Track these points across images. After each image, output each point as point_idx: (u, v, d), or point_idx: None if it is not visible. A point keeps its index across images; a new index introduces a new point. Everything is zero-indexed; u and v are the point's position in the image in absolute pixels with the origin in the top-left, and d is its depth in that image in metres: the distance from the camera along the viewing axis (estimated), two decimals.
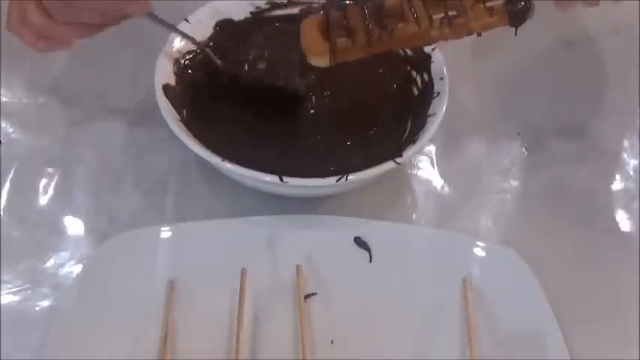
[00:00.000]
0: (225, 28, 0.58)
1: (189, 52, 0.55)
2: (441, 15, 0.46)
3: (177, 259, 0.49)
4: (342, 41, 0.47)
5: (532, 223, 0.54)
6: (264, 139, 0.54)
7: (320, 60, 0.48)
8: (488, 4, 0.47)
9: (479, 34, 0.48)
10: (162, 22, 0.52)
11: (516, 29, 0.49)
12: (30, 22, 0.48)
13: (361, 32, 0.47)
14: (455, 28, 0.47)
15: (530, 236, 0.53)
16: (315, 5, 0.59)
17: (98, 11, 0.48)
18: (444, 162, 0.57)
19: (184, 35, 0.54)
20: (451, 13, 0.47)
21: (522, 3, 0.47)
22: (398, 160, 0.48)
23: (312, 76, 0.56)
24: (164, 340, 0.46)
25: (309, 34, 0.48)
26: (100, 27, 0.50)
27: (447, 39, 0.48)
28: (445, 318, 0.48)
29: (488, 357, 0.46)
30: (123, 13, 0.49)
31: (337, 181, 0.48)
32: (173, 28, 0.54)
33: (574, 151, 0.59)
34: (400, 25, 0.47)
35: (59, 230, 0.52)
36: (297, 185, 0.48)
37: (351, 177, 0.48)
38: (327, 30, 0.47)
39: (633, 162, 0.58)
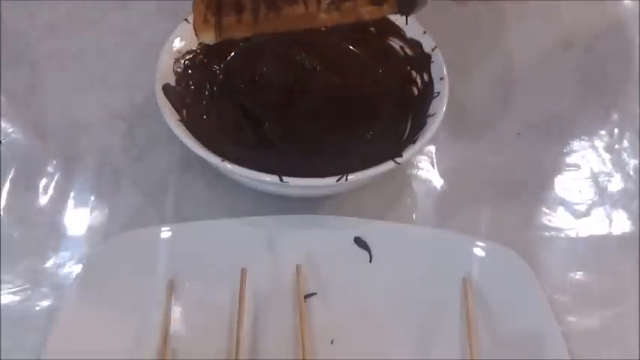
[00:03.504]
0: None
1: (189, 52, 0.55)
2: None
3: (177, 259, 0.49)
4: (228, 18, 0.47)
5: (532, 223, 0.54)
6: (264, 139, 0.54)
7: (206, 36, 0.48)
8: None
9: (368, 20, 0.49)
10: None
11: (407, 18, 0.50)
12: None
13: (249, 10, 0.47)
14: (343, 12, 0.48)
15: (530, 236, 0.53)
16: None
17: None
18: (444, 162, 0.57)
19: None
20: None
21: None
22: (398, 160, 0.48)
23: (313, 76, 0.57)
24: (164, 340, 0.46)
25: (198, 11, 0.48)
26: None
27: (336, 23, 0.48)
28: (445, 318, 0.48)
29: (488, 357, 0.46)
30: None
31: (337, 181, 0.48)
32: None
33: (574, 150, 0.59)
34: (288, 6, 0.47)
35: (59, 230, 0.52)
36: (297, 185, 0.48)
37: (351, 177, 0.48)
38: (217, 7, 0.47)
39: (633, 162, 0.58)
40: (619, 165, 0.58)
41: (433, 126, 0.51)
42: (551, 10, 0.67)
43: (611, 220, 0.55)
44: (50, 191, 0.54)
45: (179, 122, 0.50)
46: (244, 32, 0.48)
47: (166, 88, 0.52)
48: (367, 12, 0.48)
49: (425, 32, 0.56)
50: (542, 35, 0.66)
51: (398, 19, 0.57)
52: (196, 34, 0.48)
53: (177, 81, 0.53)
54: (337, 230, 0.51)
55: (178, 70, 0.54)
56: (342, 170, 0.48)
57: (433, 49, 0.55)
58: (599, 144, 0.59)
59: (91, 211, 0.53)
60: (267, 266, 0.49)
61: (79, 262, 0.50)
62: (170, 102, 0.51)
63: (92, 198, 0.54)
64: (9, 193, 0.53)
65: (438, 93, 0.53)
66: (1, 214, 0.52)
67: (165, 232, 0.50)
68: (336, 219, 0.51)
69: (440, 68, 0.54)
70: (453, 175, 0.57)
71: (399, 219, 0.53)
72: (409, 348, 0.47)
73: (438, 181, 0.56)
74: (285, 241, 0.50)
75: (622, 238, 0.54)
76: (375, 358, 0.47)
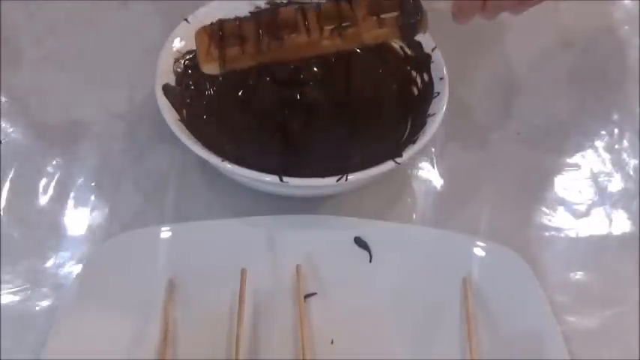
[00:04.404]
0: None
1: (189, 52, 0.55)
2: (332, 26, 0.47)
3: (177, 259, 0.49)
4: (231, 49, 0.48)
5: (532, 223, 0.54)
6: (264, 139, 0.54)
7: (210, 67, 0.48)
8: (381, 16, 0.47)
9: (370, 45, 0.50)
10: None
11: (409, 42, 0.50)
12: None
13: (251, 41, 0.48)
14: (346, 38, 0.48)
15: (530, 236, 0.53)
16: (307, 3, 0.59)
17: None
18: (444, 162, 0.57)
19: None
20: (343, 24, 0.47)
21: (416, 16, 0.48)
22: (398, 160, 0.48)
23: (312, 76, 0.57)
24: (164, 340, 0.46)
25: (201, 43, 0.48)
26: None
27: (338, 49, 0.49)
28: (445, 318, 0.48)
29: (488, 357, 0.46)
30: None
31: (337, 181, 0.48)
32: None
33: (574, 150, 0.59)
34: (291, 35, 0.48)
35: (59, 230, 0.52)
36: (297, 185, 0.48)
37: (351, 177, 0.48)
38: (220, 38, 0.48)
39: (633, 162, 0.58)
40: (619, 165, 0.58)
41: (433, 126, 0.51)
42: (551, 10, 0.67)
43: (611, 220, 0.55)
44: (50, 191, 0.54)
45: (179, 122, 0.50)
46: (247, 63, 0.48)
47: (166, 88, 0.52)
48: (369, 37, 0.48)
49: (425, 32, 0.56)
50: (542, 35, 0.66)
51: None
52: (200, 65, 0.49)
53: (177, 81, 0.53)
54: (337, 230, 0.51)
55: (178, 70, 0.54)
56: (342, 170, 0.48)
57: (433, 49, 0.55)
58: (599, 144, 0.59)
59: (91, 211, 0.53)
60: (267, 266, 0.49)
61: (79, 262, 0.50)
62: (170, 102, 0.51)
63: (92, 198, 0.54)
64: (9, 193, 0.53)
65: (438, 93, 0.53)
66: (1, 214, 0.52)
67: (165, 232, 0.50)
68: (336, 219, 0.51)
69: (440, 68, 0.54)
70: (453, 175, 0.57)
71: (399, 219, 0.53)
72: (409, 348, 0.47)
73: (438, 181, 0.56)
74: (285, 241, 0.50)
75: (622, 238, 0.54)
76: (375, 358, 0.47)
